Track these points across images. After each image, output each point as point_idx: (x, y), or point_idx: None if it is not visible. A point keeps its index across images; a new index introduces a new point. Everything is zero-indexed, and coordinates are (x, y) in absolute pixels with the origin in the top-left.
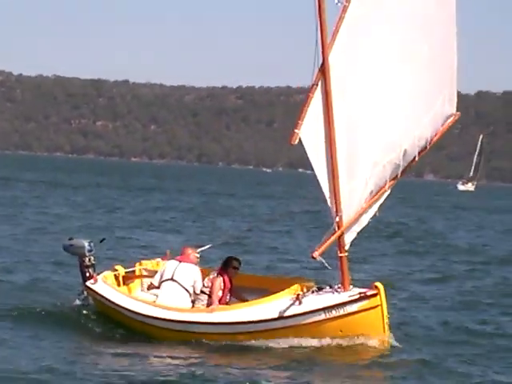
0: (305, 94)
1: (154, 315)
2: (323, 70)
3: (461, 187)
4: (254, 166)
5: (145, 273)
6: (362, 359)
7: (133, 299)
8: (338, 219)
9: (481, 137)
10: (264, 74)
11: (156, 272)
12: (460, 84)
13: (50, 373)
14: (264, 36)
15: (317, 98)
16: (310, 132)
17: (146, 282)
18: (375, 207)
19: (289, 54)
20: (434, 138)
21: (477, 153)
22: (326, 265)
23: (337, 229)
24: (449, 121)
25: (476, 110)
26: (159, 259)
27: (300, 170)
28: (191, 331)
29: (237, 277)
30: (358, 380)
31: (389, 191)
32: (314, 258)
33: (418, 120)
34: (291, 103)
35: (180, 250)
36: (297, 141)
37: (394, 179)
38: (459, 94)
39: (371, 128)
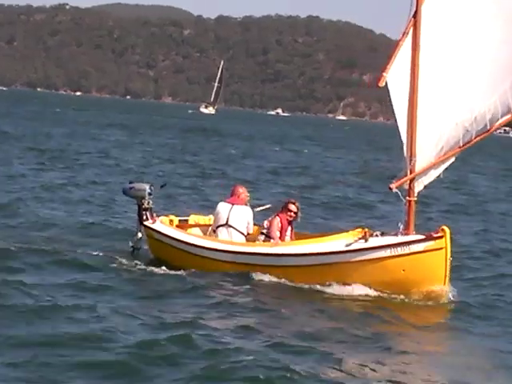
0: (46, 13)
1: (218, 248)
2: (415, 22)
3: (204, 110)
4: None
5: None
6: (418, 306)
7: (194, 235)
8: (412, 163)
9: (221, 63)
10: None
11: (207, 226)
12: (201, 8)
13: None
14: None
15: (406, 46)
16: (395, 78)
17: (196, 230)
18: (442, 168)
19: None
20: (492, 127)
21: (218, 78)
22: (401, 197)
23: (409, 173)
24: (506, 117)
25: (216, 34)
26: (211, 216)
27: (39, 89)
28: (255, 263)
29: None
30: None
31: (453, 159)
32: (390, 189)
33: (494, 89)
34: (31, 22)
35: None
36: (383, 83)
37: (460, 147)
38: (200, 18)
39: (451, 84)
